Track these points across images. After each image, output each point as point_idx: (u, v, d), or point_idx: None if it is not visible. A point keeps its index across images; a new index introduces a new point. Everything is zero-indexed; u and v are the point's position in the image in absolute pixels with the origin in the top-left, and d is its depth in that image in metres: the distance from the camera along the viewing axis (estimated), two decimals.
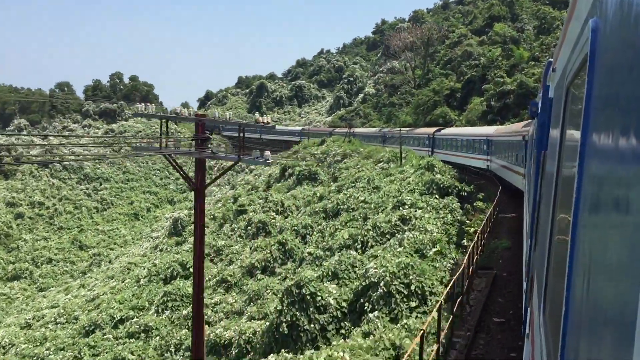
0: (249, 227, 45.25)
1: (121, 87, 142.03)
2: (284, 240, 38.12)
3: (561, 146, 3.08)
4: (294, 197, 48.71)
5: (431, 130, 47.49)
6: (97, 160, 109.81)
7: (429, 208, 32.85)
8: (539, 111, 6.19)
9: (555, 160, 3.35)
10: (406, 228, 30.94)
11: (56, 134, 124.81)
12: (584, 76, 2.00)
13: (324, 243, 35.94)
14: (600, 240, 1.46)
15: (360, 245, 32.20)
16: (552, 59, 5.68)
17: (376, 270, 24.18)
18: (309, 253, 35.29)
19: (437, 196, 34.30)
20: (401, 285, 22.71)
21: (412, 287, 22.65)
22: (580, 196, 1.90)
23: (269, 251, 38.22)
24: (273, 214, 45.33)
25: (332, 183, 49.17)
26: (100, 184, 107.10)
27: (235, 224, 48.80)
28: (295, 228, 40.60)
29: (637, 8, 1.16)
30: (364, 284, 24.64)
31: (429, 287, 22.99)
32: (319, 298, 24.90)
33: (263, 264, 37.67)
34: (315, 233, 38.51)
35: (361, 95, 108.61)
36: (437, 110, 55.14)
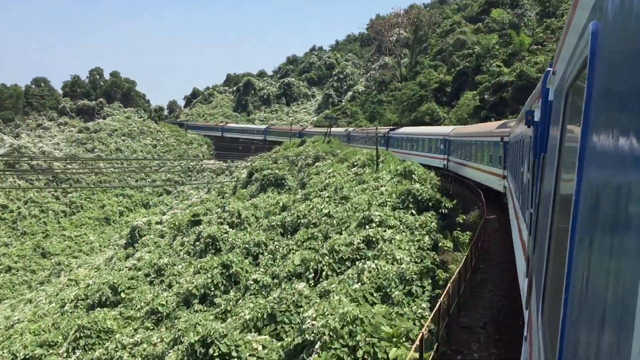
0: (198, 242, 38.19)
1: (101, 83, 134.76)
2: (228, 262, 31.04)
3: (560, 149, 3.10)
4: (254, 207, 41.62)
5: (386, 129, 45.61)
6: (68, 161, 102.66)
7: (402, 227, 25.81)
8: (540, 116, 5.87)
9: (554, 164, 3.35)
10: (370, 254, 23.91)
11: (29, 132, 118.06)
12: (584, 79, 2.02)
13: (274, 267, 28.96)
14: (599, 244, 1.46)
15: (312, 274, 25.20)
16: (549, 68, 5.75)
17: (314, 323, 17.17)
18: (255, 280, 28.30)
19: (413, 211, 27.24)
20: (344, 350, 15.68)
21: (360, 353, 15.62)
22: (580, 199, 1.89)
23: (210, 275, 31.22)
24: (226, 227, 38.22)
25: (299, 190, 42.12)
26: (70, 186, 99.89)
27: (186, 237, 41.74)
28: (247, 246, 33.55)
29: (637, 11, 1.19)
30: (298, 340, 17.68)
31: (384, 351, 15.94)
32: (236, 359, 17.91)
33: (202, 290, 30.64)
34: (266, 254, 31.46)
35: (350, 93, 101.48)
36: (423, 106, 47.94)
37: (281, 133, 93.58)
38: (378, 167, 36.73)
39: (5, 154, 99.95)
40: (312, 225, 32.08)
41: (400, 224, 26.08)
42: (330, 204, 33.60)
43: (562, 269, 2.15)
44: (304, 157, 48.28)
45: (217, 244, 36.87)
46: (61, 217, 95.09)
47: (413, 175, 30.80)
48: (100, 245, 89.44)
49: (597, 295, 1.40)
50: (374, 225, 26.32)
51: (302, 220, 33.30)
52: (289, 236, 33.32)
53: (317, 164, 45.43)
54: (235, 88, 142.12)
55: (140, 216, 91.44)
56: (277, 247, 30.81)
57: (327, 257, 25.05)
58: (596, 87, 1.74)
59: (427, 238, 24.15)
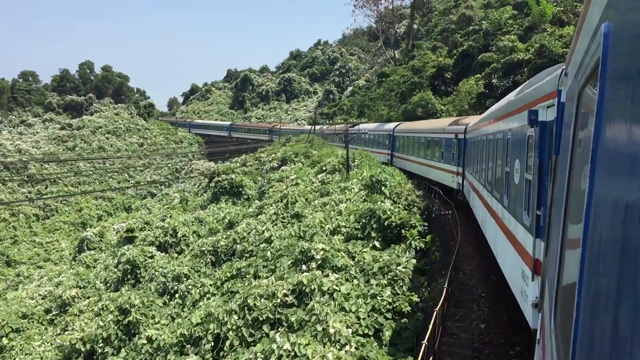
0: (117, 269, 29.49)
1: (91, 78, 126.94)
2: (126, 306, 22.26)
3: (573, 152, 3.10)
4: (198, 222, 32.79)
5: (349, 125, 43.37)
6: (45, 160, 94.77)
7: (354, 270, 16.76)
8: (557, 118, 5.66)
9: (566, 167, 3.31)
10: (295, 318, 15.00)
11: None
12: (596, 81, 2.00)
13: (178, 320, 20.16)
14: (612, 246, 1.44)
15: (212, 343, 16.38)
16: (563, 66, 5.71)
17: None
18: (148, 339, 19.53)
19: (376, 243, 18.18)
20: None
21: None
22: (592, 201, 1.87)
23: (103, 322, 22.49)
24: (152, 249, 29.43)
25: (257, 202, 33.26)
26: (46, 187, 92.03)
27: (110, 260, 33.07)
28: (164, 279, 24.80)
29: None
30: None
31: None
32: None
33: (89, 346, 21.92)
34: (177, 296, 22.63)
35: (350, 89, 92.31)
36: (415, 96, 38.41)
37: (247, 130, 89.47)
38: (348, 174, 27.70)
39: None
40: (246, 255, 23.21)
41: (353, 264, 17.06)
42: (276, 224, 24.68)
43: (575, 272, 2.12)
44: (270, 159, 39.35)
45: (138, 272, 28.16)
46: (33, 221, 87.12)
47: (383, 188, 21.68)
48: (70, 254, 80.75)
49: (610, 299, 1.37)
50: (314, 265, 17.35)
51: (237, 246, 24.43)
52: (219, 266, 24.51)
53: (283, 167, 36.50)
54: (233, 84, 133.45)
55: (119, 221, 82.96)
56: (190, 286, 21.93)
57: (236, 317, 16.14)
58: (608, 90, 1.73)
59: (388, 292, 15.09)
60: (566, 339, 2.22)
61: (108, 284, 29.47)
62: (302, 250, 18.08)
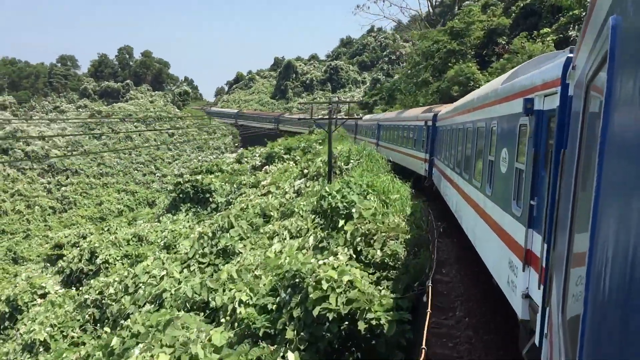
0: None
1: (130, 63, 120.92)
2: None
3: (580, 145, 3.06)
4: (136, 239, 23.41)
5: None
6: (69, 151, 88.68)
7: None
8: (559, 111, 5.69)
9: (574, 160, 3.28)
10: None
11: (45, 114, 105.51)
12: (604, 74, 1.98)
13: None
14: (621, 239, 1.43)
15: None
16: (570, 54, 5.63)
17: None
18: None
19: (291, 356, 7.95)
20: None
21: None
22: (600, 195, 1.86)
23: None
24: (48, 283, 20.21)
25: (214, 214, 23.55)
26: (67, 178, 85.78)
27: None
28: (20, 345, 15.49)
29: None
30: None
31: None
32: None
33: None
34: None
35: (397, 76, 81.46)
36: (451, 70, 27.39)
37: (253, 118, 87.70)
38: (330, 182, 17.54)
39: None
40: (122, 321, 13.51)
41: None
42: (189, 267, 14.81)
43: (583, 265, 2.09)
44: (257, 155, 29.59)
45: (19, 318, 19.00)
46: (49, 214, 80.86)
47: (341, 223, 11.43)
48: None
49: (619, 293, 1.36)
50: None
51: (127, 297, 14.77)
52: (100, 330, 14.93)
53: (267, 167, 26.64)
54: (277, 72, 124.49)
55: (142, 216, 75.05)
56: None
57: None
58: (616, 83, 1.71)
59: None
60: (574, 334, 2.17)
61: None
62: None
